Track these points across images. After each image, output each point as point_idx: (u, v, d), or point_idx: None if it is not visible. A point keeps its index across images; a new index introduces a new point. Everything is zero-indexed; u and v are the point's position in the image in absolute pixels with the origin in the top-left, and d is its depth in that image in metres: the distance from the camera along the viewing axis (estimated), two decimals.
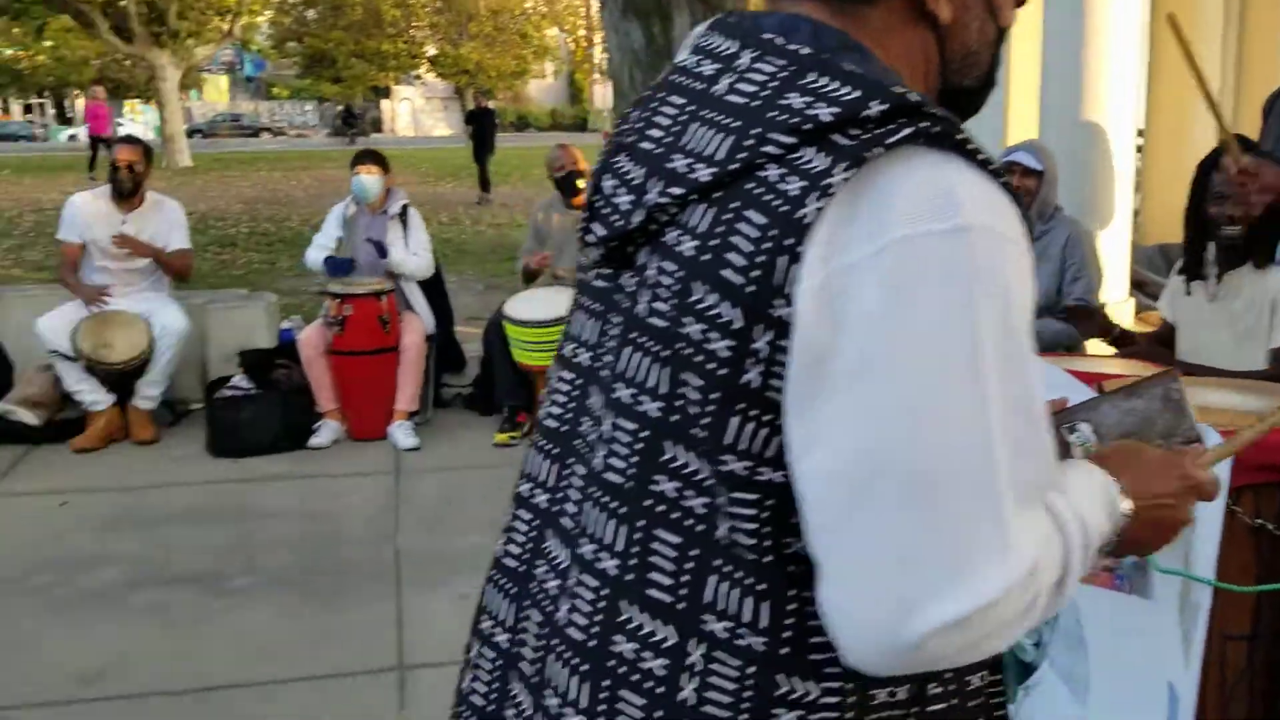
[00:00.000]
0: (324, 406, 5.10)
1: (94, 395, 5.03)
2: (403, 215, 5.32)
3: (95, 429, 5.01)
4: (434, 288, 5.58)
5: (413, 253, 5.28)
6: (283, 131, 52.28)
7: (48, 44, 34.16)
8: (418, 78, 44.85)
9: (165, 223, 5.28)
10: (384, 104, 52.56)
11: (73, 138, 39.14)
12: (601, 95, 34.04)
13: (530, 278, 5.44)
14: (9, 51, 37.61)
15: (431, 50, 39.20)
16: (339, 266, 5.26)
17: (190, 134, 46.03)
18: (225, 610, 3.45)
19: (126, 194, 5.17)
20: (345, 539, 4.01)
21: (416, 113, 51.84)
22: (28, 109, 52.13)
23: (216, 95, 55.44)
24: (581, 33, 42.17)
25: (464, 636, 1.09)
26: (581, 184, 5.20)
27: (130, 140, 5.47)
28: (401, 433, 5.05)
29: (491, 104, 26.09)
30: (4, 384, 5.27)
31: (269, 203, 16.47)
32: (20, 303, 5.61)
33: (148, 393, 5.11)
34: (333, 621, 3.35)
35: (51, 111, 50.98)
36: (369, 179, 5.27)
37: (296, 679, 3.02)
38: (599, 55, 41.93)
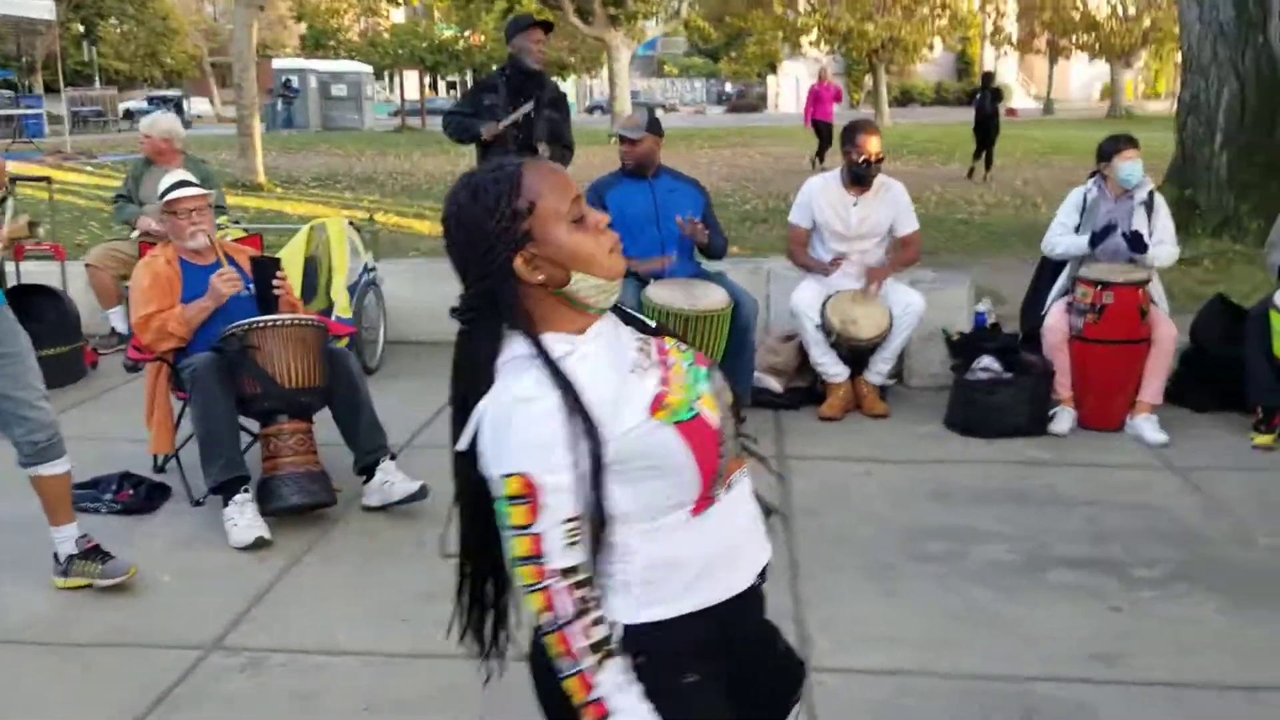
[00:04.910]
0: (1061, 393, 5.02)
1: (835, 368, 5.26)
2: (1149, 201, 5.06)
3: (836, 399, 5.24)
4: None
5: (1158, 241, 5.03)
6: (675, 108, 53.93)
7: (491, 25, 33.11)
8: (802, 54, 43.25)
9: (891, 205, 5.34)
10: (770, 80, 53.96)
11: None
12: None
13: None
14: (448, 33, 37.80)
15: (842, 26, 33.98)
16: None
17: (590, 110, 49.19)
18: (1154, 601, 3.34)
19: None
20: (1212, 535, 3.84)
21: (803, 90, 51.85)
22: (451, 86, 52.00)
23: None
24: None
25: None
26: None
27: None
28: (1149, 426, 4.87)
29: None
30: None
31: (747, 180, 15.32)
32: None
33: (880, 369, 5.29)
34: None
35: None
36: (1136, 165, 5.01)
37: None
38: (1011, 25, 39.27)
